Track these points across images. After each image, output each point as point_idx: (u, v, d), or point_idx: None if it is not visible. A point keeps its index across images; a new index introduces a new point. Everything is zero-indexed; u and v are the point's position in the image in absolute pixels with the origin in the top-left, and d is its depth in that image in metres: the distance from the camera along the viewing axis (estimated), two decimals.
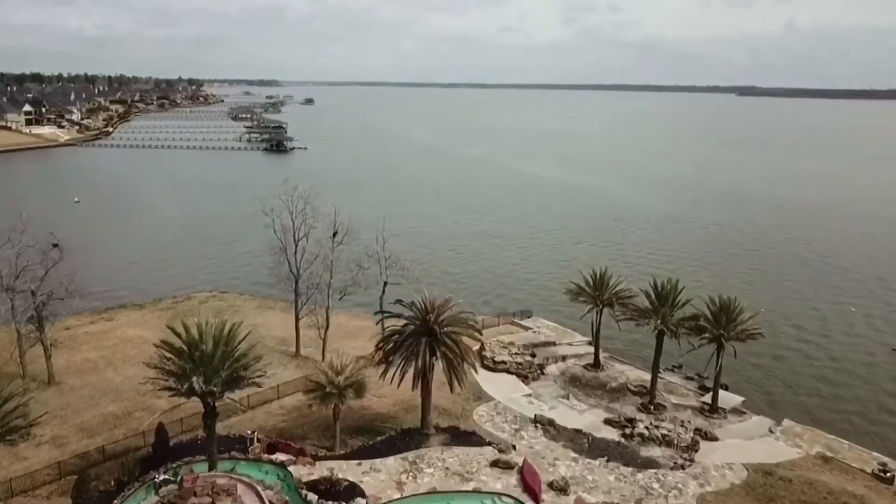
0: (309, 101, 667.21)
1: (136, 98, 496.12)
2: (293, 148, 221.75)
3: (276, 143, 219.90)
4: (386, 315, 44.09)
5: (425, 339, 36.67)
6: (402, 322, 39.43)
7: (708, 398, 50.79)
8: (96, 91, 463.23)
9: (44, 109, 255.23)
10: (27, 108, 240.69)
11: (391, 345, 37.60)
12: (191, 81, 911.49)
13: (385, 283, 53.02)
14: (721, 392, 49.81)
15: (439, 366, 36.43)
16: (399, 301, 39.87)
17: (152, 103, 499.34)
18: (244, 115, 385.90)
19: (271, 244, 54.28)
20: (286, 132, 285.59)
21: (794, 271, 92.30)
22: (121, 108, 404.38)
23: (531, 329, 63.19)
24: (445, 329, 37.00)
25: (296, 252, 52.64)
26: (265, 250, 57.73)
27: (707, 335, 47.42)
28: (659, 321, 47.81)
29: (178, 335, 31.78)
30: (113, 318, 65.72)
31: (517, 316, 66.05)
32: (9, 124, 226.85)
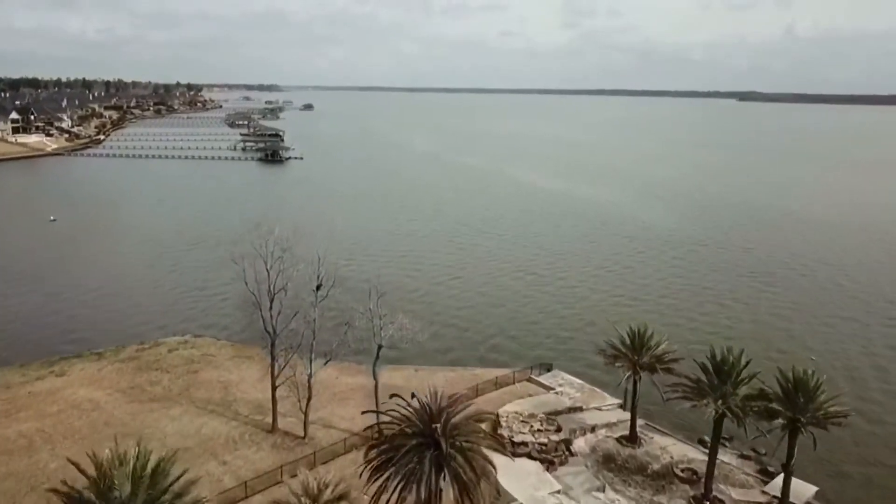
0: (308, 107, 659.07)
1: (132, 104, 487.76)
2: (289, 158, 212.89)
3: (272, 152, 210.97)
4: (382, 422, 34.69)
5: (430, 453, 27.43)
6: (402, 412, 30.24)
7: (772, 487, 41.66)
8: (91, 97, 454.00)
9: (32, 117, 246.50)
10: (14, 115, 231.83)
11: (384, 459, 28.30)
12: (189, 87, 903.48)
13: (379, 347, 43.80)
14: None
15: (449, 494, 27.11)
16: (395, 395, 30.54)
17: (148, 109, 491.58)
18: (241, 122, 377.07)
19: (243, 297, 45.01)
20: (283, 140, 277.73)
21: (838, 305, 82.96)
22: (115, 115, 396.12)
23: (553, 389, 53.91)
24: (457, 441, 27.79)
25: (271, 308, 43.38)
26: (239, 300, 48.40)
27: (780, 420, 38.12)
28: (720, 402, 38.53)
29: (84, 473, 22.59)
30: (65, 372, 56.47)
31: (535, 371, 56.84)
32: None
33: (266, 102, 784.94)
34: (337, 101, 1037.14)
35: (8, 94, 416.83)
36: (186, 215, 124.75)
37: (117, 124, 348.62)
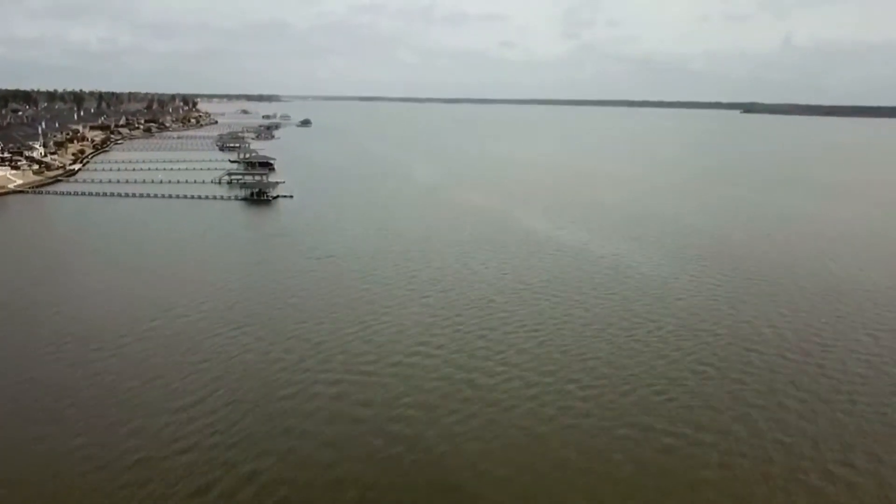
0: (306, 123, 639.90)
1: (121, 122, 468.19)
2: (276, 197, 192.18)
3: (257, 191, 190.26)
4: None
5: None
6: None
7: None
8: (79, 114, 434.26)
9: (0, 145, 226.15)
10: None
11: None
12: (185, 100, 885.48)
13: None
14: None
15: None
16: None
17: (138, 128, 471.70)
18: (233, 145, 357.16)
19: None
20: (273, 168, 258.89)
21: None
22: (101, 136, 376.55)
23: None
24: None
25: None
26: None
27: None
28: None
29: None
30: None
31: None
32: None
33: (263, 117, 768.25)
34: (336, 114, 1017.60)
35: None
36: (132, 292, 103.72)
37: (100, 148, 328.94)
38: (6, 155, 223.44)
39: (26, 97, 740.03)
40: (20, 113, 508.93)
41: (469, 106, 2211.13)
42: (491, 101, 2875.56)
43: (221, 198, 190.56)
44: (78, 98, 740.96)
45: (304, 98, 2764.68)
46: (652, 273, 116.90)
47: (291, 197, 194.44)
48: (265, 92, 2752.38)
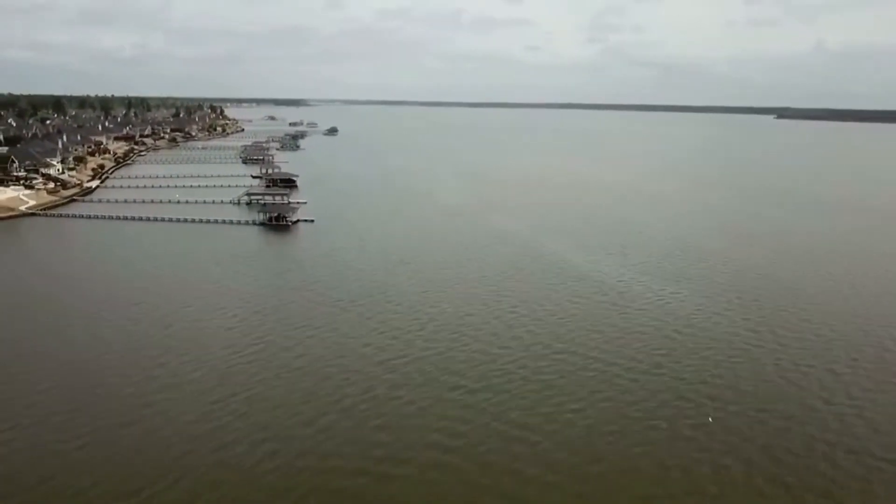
0: (332, 132, 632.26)
1: (147, 132, 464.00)
2: (296, 221, 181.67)
3: (276, 216, 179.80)
4: None
5: None
6: None
7: None
8: (103, 125, 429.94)
9: (15, 164, 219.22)
10: None
11: None
12: (213, 108, 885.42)
13: None
14: None
15: None
16: None
17: (163, 137, 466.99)
18: (256, 158, 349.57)
19: None
20: (296, 186, 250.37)
21: None
22: (124, 147, 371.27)
23: None
24: None
25: None
26: None
27: None
28: None
29: None
30: None
31: None
32: None
33: (290, 124, 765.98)
34: (362, 120, 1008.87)
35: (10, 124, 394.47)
36: (119, 346, 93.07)
37: (122, 161, 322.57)
38: (22, 173, 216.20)
39: (56, 104, 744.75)
40: (48, 122, 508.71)
41: (494, 110, 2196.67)
42: (516, 105, 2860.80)
43: (238, 222, 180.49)
44: (105, 105, 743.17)
45: (331, 102, 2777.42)
46: (722, 335, 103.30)
47: (312, 221, 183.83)
48: (292, 96, 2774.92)
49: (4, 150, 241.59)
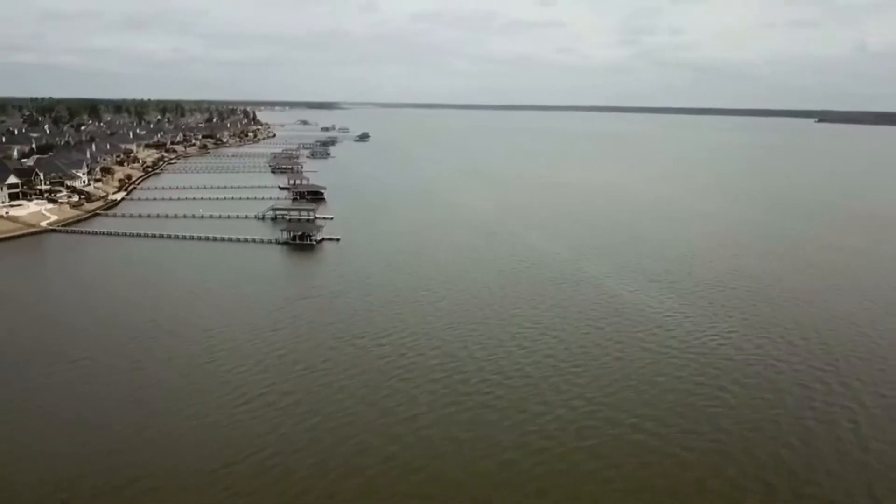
0: (363, 138, 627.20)
1: (178, 138, 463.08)
2: (321, 240, 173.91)
3: (300, 234, 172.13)
4: None
5: None
6: None
7: None
8: (133, 134, 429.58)
9: (41, 176, 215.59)
10: (12, 179, 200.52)
11: None
12: (245, 113, 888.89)
13: None
14: None
15: None
16: None
17: (194, 144, 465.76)
18: (285, 166, 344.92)
19: None
20: (323, 197, 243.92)
21: None
22: (154, 155, 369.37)
23: None
24: None
25: None
26: None
27: None
28: None
29: None
30: None
31: None
32: None
33: (322, 129, 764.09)
34: (393, 124, 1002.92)
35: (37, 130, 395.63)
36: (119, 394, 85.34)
37: (151, 170, 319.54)
38: (45, 186, 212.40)
39: (93, 109, 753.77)
40: (83, 128, 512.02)
41: (525, 113, 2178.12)
42: (547, 108, 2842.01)
43: (261, 241, 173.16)
44: (140, 111, 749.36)
45: (364, 105, 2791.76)
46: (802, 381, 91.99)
47: (338, 240, 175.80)
48: (325, 99, 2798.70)
49: (31, 161, 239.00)
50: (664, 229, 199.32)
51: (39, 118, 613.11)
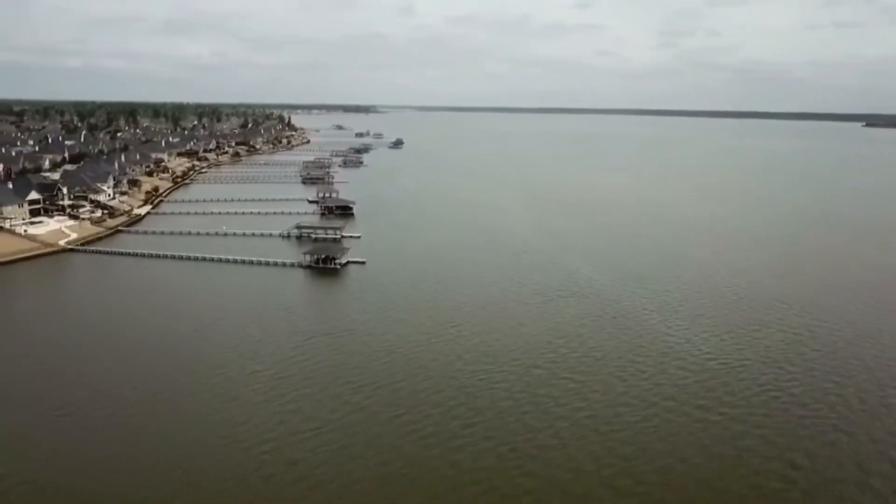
0: (397, 144, 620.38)
1: (211, 146, 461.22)
2: (346, 263, 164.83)
3: (324, 258, 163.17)
4: None
5: None
6: None
7: None
8: (165, 142, 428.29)
9: (64, 190, 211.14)
10: (33, 195, 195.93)
11: None
12: (281, 118, 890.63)
13: None
14: None
15: None
16: None
17: (226, 152, 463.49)
18: (316, 176, 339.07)
19: None
20: (352, 211, 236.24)
21: None
22: (186, 164, 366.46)
23: None
24: None
25: None
26: None
27: None
28: None
29: None
30: None
31: None
32: (1, 221, 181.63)
33: (356, 134, 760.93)
34: (428, 128, 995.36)
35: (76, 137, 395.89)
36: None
37: (181, 181, 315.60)
38: (67, 202, 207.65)
39: (131, 114, 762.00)
40: (119, 134, 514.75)
41: (562, 116, 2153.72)
42: (585, 111, 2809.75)
43: (283, 264, 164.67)
44: (176, 116, 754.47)
45: (400, 108, 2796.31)
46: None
47: (363, 263, 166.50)
48: (362, 103, 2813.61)
49: (57, 175, 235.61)
50: (717, 255, 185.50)
51: (78, 123, 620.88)
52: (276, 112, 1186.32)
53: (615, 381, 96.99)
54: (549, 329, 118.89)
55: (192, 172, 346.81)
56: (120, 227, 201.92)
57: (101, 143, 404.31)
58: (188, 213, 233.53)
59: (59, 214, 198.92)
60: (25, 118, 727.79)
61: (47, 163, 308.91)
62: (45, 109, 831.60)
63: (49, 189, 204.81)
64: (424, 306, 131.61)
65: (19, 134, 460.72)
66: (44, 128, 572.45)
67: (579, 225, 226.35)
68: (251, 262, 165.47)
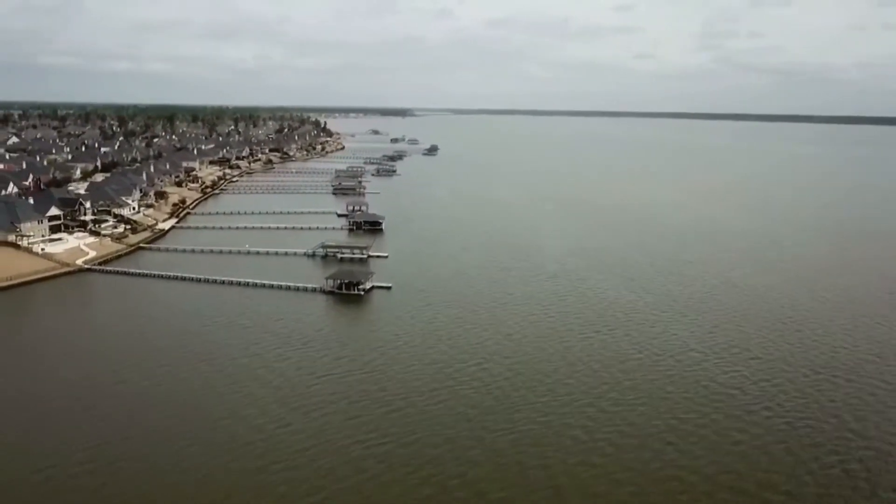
0: (432, 151, 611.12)
1: (244, 153, 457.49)
2: (371, 288, 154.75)
3: (346, 283, 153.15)
4: None
5: None
6: None
7: None
8: (197, 150, 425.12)
9: (87, 206, 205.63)
10: (53, 211, 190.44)
11: None
12: (316, 123, 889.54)
13: None
14: None
15: None
16: None
17: (259, 159, 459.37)
18: (347, 187, 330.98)
19: None
20: (381, 227, 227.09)
21: None
22: (217, 172, 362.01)
23: None
24: None
25: None
26: None
27: None
28: None
29: None
30: None
31: None
32: (19, 239, 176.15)
33: (391, 140, 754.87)
34: (464, 133, 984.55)
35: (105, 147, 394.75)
36: None
37: (210, 191, 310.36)
38: (90, 217, 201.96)
39: (170, 119, 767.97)
40: (156, 140, 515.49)
41: (600, 120, 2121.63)
42: (624, 114, 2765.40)
43: (304, 289, 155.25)
44: (213, 122, 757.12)
45: (437, 111, 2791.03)
46: None
47: (389, 289, 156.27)
48: (399, 105, 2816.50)
49: (82, 189, 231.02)
50: (778, 287, 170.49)
51: (117, 128, 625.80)
52: (312, 116, 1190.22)
53: (669, 438, 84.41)
54: (588, 371, 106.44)
55: (222, 182, 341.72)
56: (141, 244, 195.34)
57: (135, 150, 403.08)
58: (213, 228, 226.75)
59: (79, 230, 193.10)
60: (68, 123, 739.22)
61: (78, 172, 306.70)
62: (87, 115, 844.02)
63: (71, 203, 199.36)
64: (451, 343, 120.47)
65: (58, 140, 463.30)
66: (83, 133, 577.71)
67: (622, 245, 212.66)
68: (272, 287, 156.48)
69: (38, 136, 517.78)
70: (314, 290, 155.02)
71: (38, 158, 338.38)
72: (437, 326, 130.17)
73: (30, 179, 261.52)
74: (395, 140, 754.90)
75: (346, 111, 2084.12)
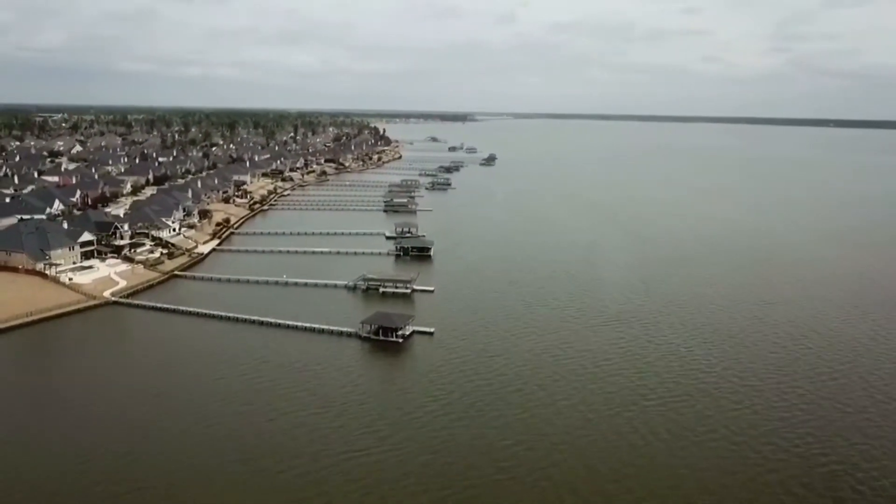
0: (490, 161, 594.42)
1: (298, 164, 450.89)
2: (412, 334, 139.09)
3: (385, 328, 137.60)
4: None
5: None
6: None
7: None
8: (251, 162, 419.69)
9: (124, 228, 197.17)
10: (86, 237, 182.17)
11: None
12: (375, 131, 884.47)
13: None
14: None
15: None
16: None
17: (313, 170, 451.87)
18: (399, 203, 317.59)
19: None
20: (430, 254, 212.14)
21: None
22: (267, 186, 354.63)
23: None
24: None
25: None
26: None
27: None
28: None
29: None
30: None
31: None
32: (47, 268, 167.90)
33: (449, 148, 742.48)
34: (525, 139, 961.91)
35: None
36: None
37: (258, 207, 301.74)
38: (126, 241, 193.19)
39: (231, 126, 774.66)
40: (213, 148, 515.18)
41: (666, 125, 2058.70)
42: (691, 119, 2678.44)
43: (339, 334, 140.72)
44: (273, 130, 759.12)
45: (499, 116, 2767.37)
46: None
47: (431, 334, 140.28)
48: (459, 110, 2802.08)
49: (121, 211, 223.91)
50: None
51: (177, 136, 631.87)
52: (372, 122, 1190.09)
53: None
54: (651, 450, 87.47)
55: (272, 196, 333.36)
56: (176, 272, 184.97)
57: (189, 161, 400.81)
58: (253, 252, 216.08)
59: (112, 256, 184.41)
60: (134, 129, 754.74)
61: (129, 186, 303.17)
62: (153, 121, 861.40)
63: (107, 227, 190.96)
64: (498, 408, 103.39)
65: (118, 150, 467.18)
66: (146, 140, 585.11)
67: (691, 282, 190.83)
68: (304, 329, 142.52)
69: (102, 145, 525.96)
70: (350, 334, 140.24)
71: (93, 170, 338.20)
72: (482, 380, 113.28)
73: (77, 196, 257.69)
74: (452, 148, 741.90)
75: (406, 116, 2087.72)
